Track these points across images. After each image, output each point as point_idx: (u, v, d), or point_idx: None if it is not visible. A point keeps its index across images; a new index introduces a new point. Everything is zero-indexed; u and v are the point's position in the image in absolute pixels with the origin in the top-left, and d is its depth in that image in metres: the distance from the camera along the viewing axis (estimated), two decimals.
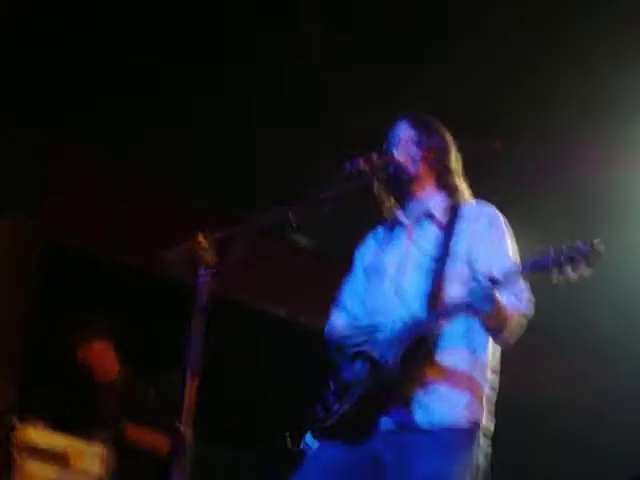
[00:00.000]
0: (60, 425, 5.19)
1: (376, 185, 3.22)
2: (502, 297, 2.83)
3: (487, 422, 3.05)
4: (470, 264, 3.06)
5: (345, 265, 3.44)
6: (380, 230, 3.36)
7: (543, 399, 7.40)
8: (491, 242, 3.08)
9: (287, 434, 3.13)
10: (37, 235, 5.80)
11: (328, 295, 3.46)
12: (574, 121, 5.24)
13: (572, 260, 2.61)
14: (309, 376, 3.29)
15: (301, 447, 3.11)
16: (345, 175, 3.08)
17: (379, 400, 2.98)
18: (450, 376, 2.98)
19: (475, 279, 2.85)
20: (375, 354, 3.00)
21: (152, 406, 5.27)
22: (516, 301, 2.92)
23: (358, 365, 3.04)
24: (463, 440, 2.96)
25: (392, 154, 3.20)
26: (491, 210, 3.18)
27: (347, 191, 3.08)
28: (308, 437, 3.11)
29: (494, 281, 2.74)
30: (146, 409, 5.23)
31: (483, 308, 2.77)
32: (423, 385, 2.97)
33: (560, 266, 2.63)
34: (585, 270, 2.61)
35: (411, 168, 3.22)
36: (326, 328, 3.34)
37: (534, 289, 2.99)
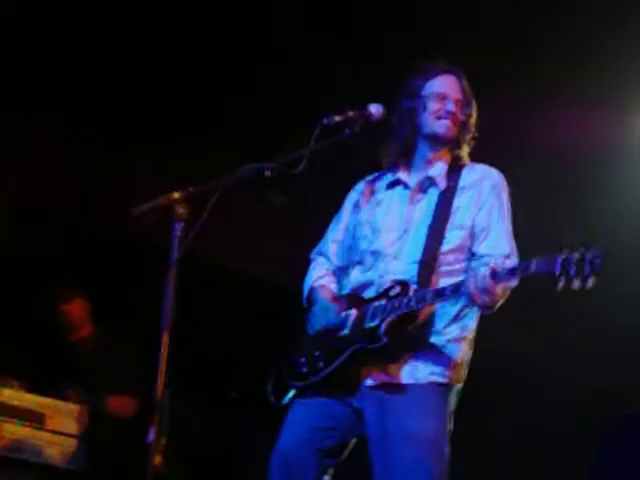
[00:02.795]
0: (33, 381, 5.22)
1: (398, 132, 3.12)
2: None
3: (462, 383, 3.08)
4: (470, 233, 3.03)
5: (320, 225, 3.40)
6: (377, 182, 3.25)
7: None
8: (488, 214, 3.03)
9: (270, 390, 3.13)
10: (4, 194, 5.80)
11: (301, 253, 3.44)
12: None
13: (581, 273, 2.49)
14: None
15: (284, 404, 3.11)
16: (321, 129, 3.01)
17: (366, 363, 2.98)
18: (439, 347, 3.00)
19: (475, 270, 2.78)
20: (365, 319, 2.99)
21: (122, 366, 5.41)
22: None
23: (345, 327, 3.04)
24: (443, 395, 2.98)
25: (369, 110, 3.06)
26: (494, 176, 3.11)
27: (323, 147, 3.02)
28: (291, 393, 3.11)
29: (495, 276, 2.70)
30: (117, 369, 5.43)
31: (480, 299, 2.74)
32: (411, 352, 2.98)
33: (568, 277, 2.52)
34: (592, 283, 2.49)
35: (453, 131, 3.11)
36: (305, 280, 3.31)
37: None
